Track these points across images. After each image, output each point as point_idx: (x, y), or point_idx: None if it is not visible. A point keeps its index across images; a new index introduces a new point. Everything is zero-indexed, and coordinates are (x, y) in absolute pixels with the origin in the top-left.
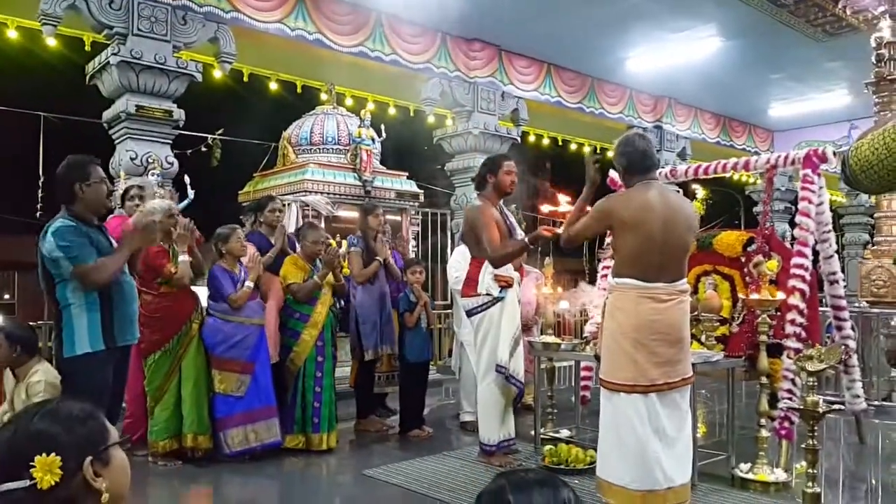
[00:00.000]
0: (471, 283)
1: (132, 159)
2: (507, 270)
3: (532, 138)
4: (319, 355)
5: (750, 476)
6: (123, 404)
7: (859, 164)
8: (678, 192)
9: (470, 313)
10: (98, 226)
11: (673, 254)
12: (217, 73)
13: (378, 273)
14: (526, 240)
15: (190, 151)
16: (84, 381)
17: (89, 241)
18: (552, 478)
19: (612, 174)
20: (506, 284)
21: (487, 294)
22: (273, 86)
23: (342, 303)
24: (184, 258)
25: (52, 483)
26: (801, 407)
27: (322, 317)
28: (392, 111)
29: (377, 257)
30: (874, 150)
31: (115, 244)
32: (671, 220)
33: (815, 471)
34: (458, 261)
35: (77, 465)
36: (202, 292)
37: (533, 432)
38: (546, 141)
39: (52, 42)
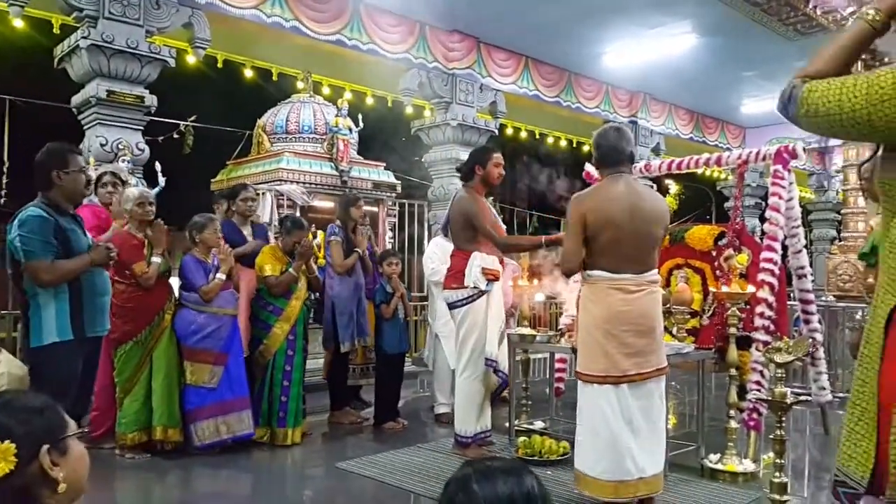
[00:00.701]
0: (456, 275)
1: (102, 145)
2: (494, 263)
3: (510, 131)
4: (290, 349)
5: (719, 466)
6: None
7: (805, 108)
8: (651, 186)
9: (453, 306)
10: (73, 214)
11: (640, 245)
12: (191, 59)
13: (355, 265)
14: (543, 240)
15: (162, 138)
16: (51, 371)
17: (57, 233)
18: (517, 466)
19: (588, 168)
20: (493, 278)
21: (474, 287)
22: (248, 73)
23: (316, 294)
24: (156, 259)
25: (7, 471)
26: (770, 398)
27: (295, 311)
28: (370, 101)
29: (355, 248)
30: (826, 103)
31: (87, 234)
32: (637, 211)
33: (783, 461)
34: (435, 252)
35: (33, 454)
36: (174, 283)
37: (507, 424)
38: (524, 134)
39: (18, 23)
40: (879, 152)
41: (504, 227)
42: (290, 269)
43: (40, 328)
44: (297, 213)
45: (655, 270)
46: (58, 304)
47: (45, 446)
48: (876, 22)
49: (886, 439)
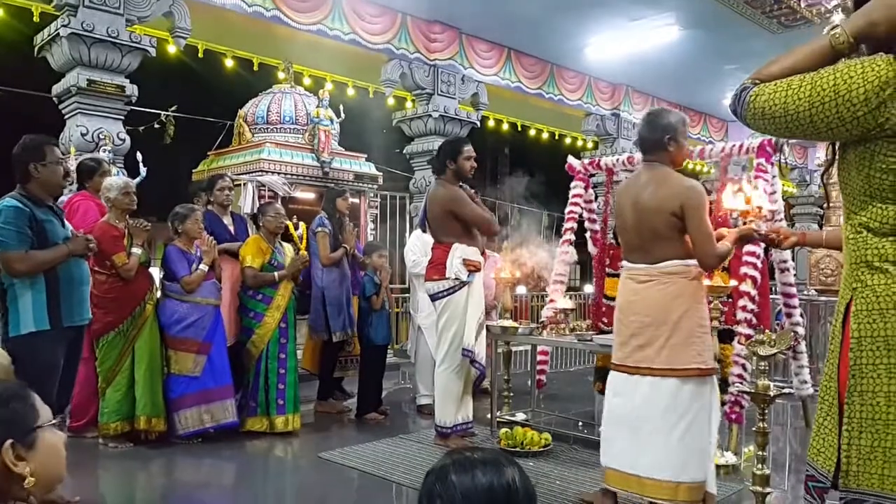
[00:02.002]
0: (437, 266)
1: (83, 135)
2: (475, 255)
3: (492, 123)
4: (282, 337)
5: None
6: None
7: (752, 111)
8: (672, 174)
9: (434, 297)
10: (51, 206)
11: (644, 234)
12: (171, 49)
13: (342, 258)
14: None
15: (143, 128)
16: (30, 361)
17: (33, 224)
18: (497, 457)
19: (571, 160)
20: (474, 269)
21: (456, 278)
22: (229, 62)
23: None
24: (136, 250)
25: None
26: (753, 390)
27: (285, 300)
28: (351, 92)
29: (344, 244)
30: (771, 106)
31: (67, 224)
32: (639, 201)
33: (765, 453)
34: (415, 244)
35: None
36: (155, 273)
37: (489, 415)
38: (505, 126)
39: None
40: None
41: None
42: (276, 275)
43: (17, 318)
44: (279, 204)
45: (673, 261)
46: (34, 295)
47: (8, 441)
48: (841, 45)
49: None
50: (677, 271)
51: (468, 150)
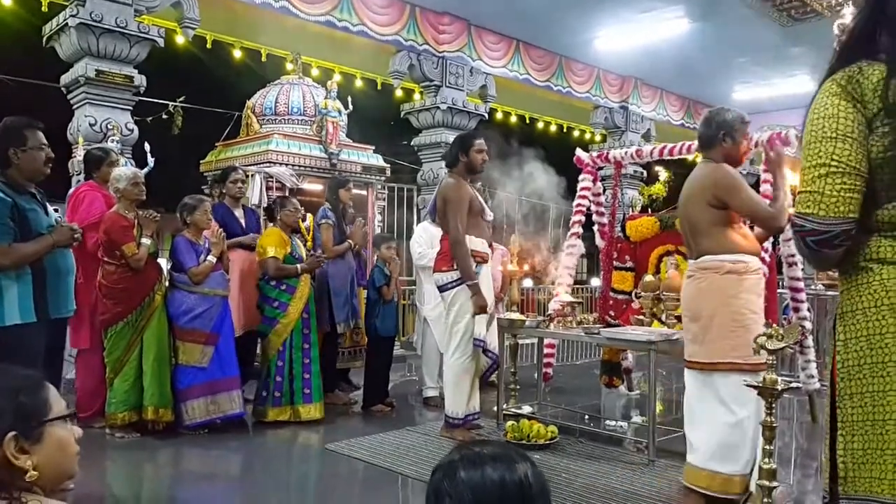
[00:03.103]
0: (445, 258)
1: (91, 125)
2: (483, 246)
3: (500, 115)
4: (305, 327)
5: None
6: (72, 376)
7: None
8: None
9: (443, 288)
10: (33, 193)
11: (686, 229)
12: (180, 39)
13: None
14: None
15: (151, 119)
16: (13, 353)
17: (15, 213)
18: (507, 452)
19: (579, 153)
20: (481, 260)
21: None
22: (237, 53)
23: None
24: (146, 241)
25: None
26: (761, 384)
27: (307, 290)
28: (359, 83)
29: (349, 239)
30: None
31: (50, 211)
32: (685, 196)
33: (772, 447)
34: (421, 236)
35: None
36: (164, 264)
37: (496, 408)
38: (514, 118)
39: (7, 1)
40: None
41: (492, 214)
42: (298, 267)
43: (2, 310)
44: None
45: (707, 257)
46: (21, 287)
47: (10, 434)
48: None
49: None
50: (710, 266)
51: (479, 143)
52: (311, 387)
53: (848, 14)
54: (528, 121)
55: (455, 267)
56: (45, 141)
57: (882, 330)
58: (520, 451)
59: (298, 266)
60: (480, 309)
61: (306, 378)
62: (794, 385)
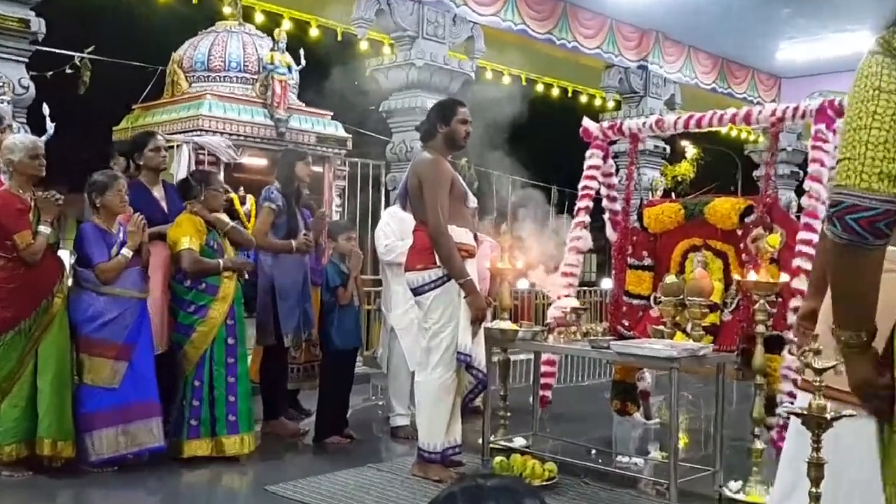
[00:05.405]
0: (422, 252)
1: None
2: (468, 237)
3: (489, 75)
4: (230, 336)
5: (741, 497)
6: None
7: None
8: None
9: (418, 291)
10: None
11: None
12: None
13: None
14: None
15: (51, 74)
16: None
17: None
18: (515, 484)
19: (586, 123)
20: (467, 255)
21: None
22: None
23: (246, 276)
24: (44, 229)
25: None
26: (806, 412)
27: (231, 290)
28: (314, 33)
29: (305, 234)
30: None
31: None
32: None
33: (820, 490)
34: (389, 224)
35: None
36: (67, 257)
37: (481, 440)
38: (507, 79)
39: None
40: None
41: (475, 202)
42: (221, 261)
43: None
44: (221, 173)
45: None
46: None
47: None
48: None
49: None
50: None
51: (463, 111)
52: (236, 412)
53: None
54: (524, 82)
55: (434, 264)
56: None
57: None
58: (527, 485)
59: (221, 261)
60: (480, 313)
61: (231, 401)
62: (847, 412)
